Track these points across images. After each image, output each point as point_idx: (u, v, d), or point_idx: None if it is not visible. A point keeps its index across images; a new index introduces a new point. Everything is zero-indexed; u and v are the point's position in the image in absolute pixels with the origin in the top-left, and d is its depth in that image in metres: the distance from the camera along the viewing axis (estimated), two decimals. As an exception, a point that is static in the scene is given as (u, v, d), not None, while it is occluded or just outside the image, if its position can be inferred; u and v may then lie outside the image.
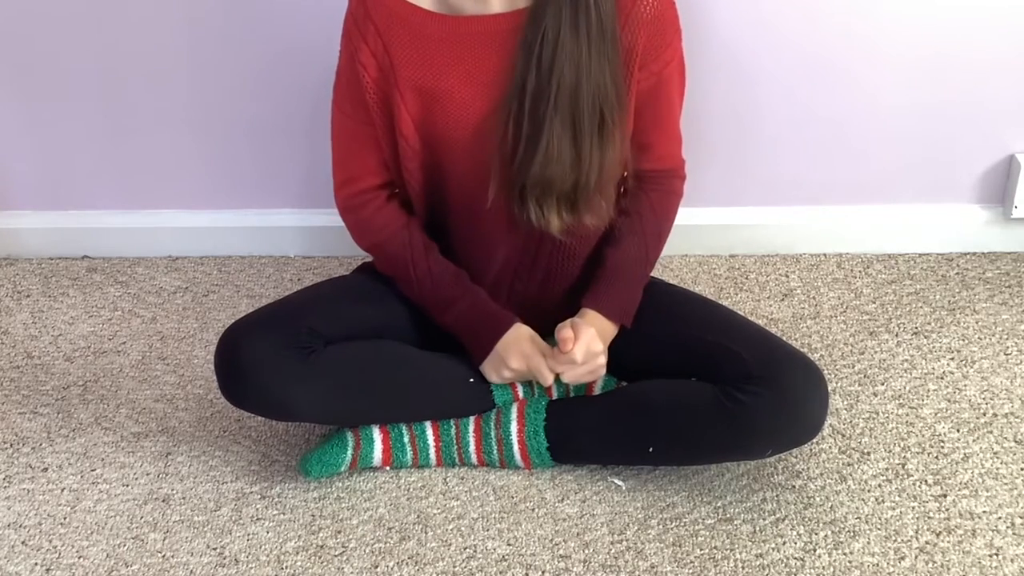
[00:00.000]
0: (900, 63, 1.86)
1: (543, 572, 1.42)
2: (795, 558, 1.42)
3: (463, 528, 1.49)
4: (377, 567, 1.44)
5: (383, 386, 1.52)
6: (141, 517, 1.52)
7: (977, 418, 1.63)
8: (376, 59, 1.44)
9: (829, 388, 1.45)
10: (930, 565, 1.40)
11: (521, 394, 1.57)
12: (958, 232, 1.99)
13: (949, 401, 1.67)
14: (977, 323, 1.83)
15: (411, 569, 1.43)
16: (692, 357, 1.49)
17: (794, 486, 1.52)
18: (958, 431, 1.61)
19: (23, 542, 1.49)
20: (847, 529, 1.46)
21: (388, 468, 1.58)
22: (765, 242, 2.02)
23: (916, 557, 1.42)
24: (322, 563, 1.44)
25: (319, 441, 1.61)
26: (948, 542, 1.44)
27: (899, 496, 1.50)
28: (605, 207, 1.48)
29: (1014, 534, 1.44)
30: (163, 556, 1.46)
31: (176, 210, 2.08)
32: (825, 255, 2.01)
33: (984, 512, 1.47)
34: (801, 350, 1.50)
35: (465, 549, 1.46)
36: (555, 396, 1.57)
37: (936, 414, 1.64)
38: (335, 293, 1.60)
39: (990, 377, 1.71)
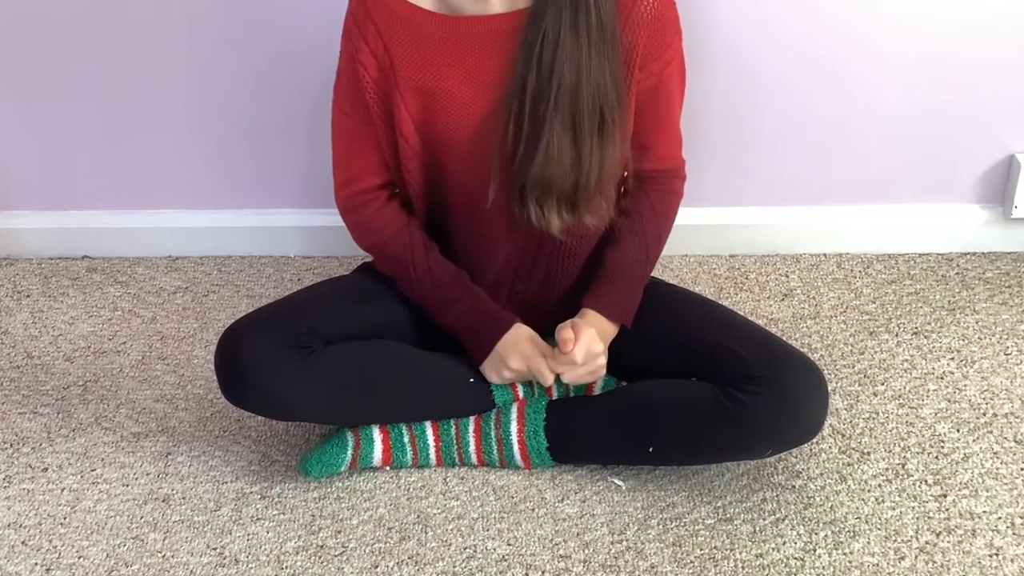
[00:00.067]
0: (900, 63, 1.86)
1: (543, 572, 1.42)
2: (795, 558, 1.42)
3: (463, 528, 1.49)
4: (377, 567, 1.44)
5: (383, 386, 1.52)
6: (141, 517, 1.52)
7: (977, 418, 1.63)
8: (376, 59, 1.44)
9: (829, 388, 1.45)
10: (930, 565, 1.40)
11: (521, 394, 1.57)
12: (958, 232, 1.99)
13: (949, 401, 1.67)
14: (977, 323, 1.83)
15: (411, 569, 1.43)
16: (692, 357, 1.49)
17: (794, 486, 1.52)
18: (958, 431, 1.61)
19: (23, 542, 1.49)
20: (847, 529, 1.46)
21: (388, 468, 1.58)
22: (765, 242, 2.02)
23: (916, 557, 1.42)
24: (322, 563, 1.44)
25: (319, 441, 1.61)
26: (948, 542, 1.44)
27: (899, 496, 1.50)
28: (605, 207, 1.48)
29: (1014, 534, 1.44)
30: (163, 556, 1.46)
31: (176, 210, 2.08)
32: (825, 255, 2.01)
33: (984, 512, 1.47)
34: (801, 350, 1.50)
35: (465, 549, 1.46)
36: (555, 396, 1.57)
37: (936, 414, 1.64)
38: (335, 293, 1.60)
39: (990, 377, 1.71)
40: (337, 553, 1.46)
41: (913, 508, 1.48)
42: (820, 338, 1.81)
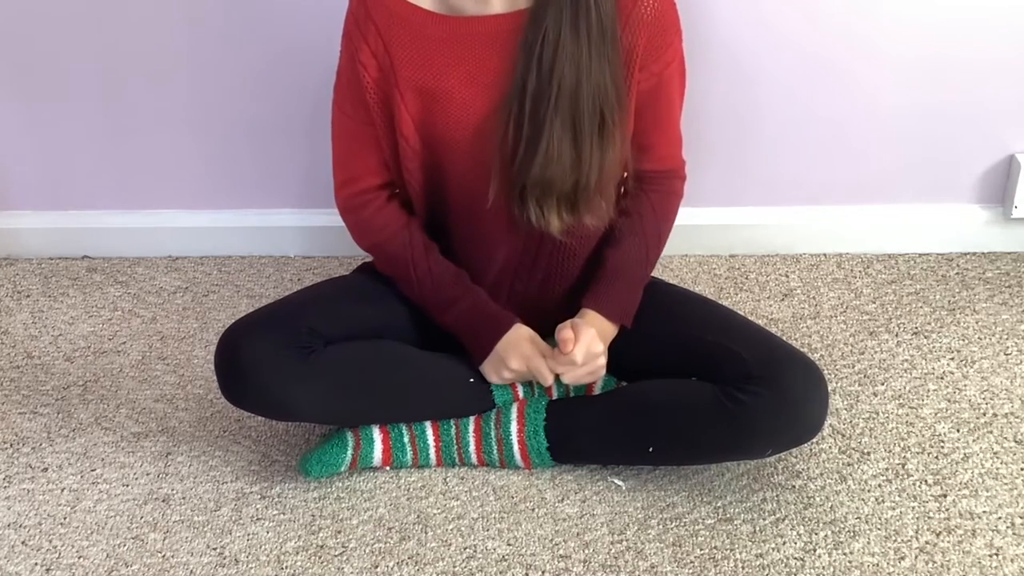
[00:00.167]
0: (900, 63, 1.86)
1: (543, 572, 1.42)
2: (795, 558, 1.42)
3: (463, 528, 1.49)
4: (377, 567, 1.44)
5: (383, 386, 1.52)
6: (141, 517, 1.52)
7: (977, 418, 1.63)
8: (376, 59, 1.44)
9: (829, 388, 1.45)
10: (930, 565, 1.40)
11: (521, 394, 1.57)
12: (958, 232, 1.99)
13: (949, 401, 1.67)
14: (977, 323, 1.83)
15: (411, 569, 1.43)
16: (692, 357, 1.49)
17: (794, 486, 1.52)
18: (958, 431, 1.61)
19: (23, 542, 1.49)
20: (847, 529, 1.46)
21: (388, 468, 1.58)
22: (765, 242, 2.02)
23: (916, 557, 1.42)
24: (322, 563, 1.44)
25: (319, 441, 1.61)
26: (948, 542, 1.44)
27: (899, 496, 1.50)
28: (605, 207, 1.48)
29: (1014, 534, 1.44)
30: (163, 556, 1.46)
31: (176, 210, 2.08)
32: (825, 255, 2.01)
33: (984, 512, 1.47)
34: (801, 350, 1.50)
35: (465, 549, 1.46)
36: (555, 396, 1.57)
37: (936, 414, 1.64)
38: (335, 293, 1.60)
39: (990, 377, 1.71)
40: (337, 553, 1.46)
41: (913, 508, 1.48)
42: (820, 338, 1.81)
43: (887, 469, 1.55)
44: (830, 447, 1.58)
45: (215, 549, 1.47)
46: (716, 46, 1.83)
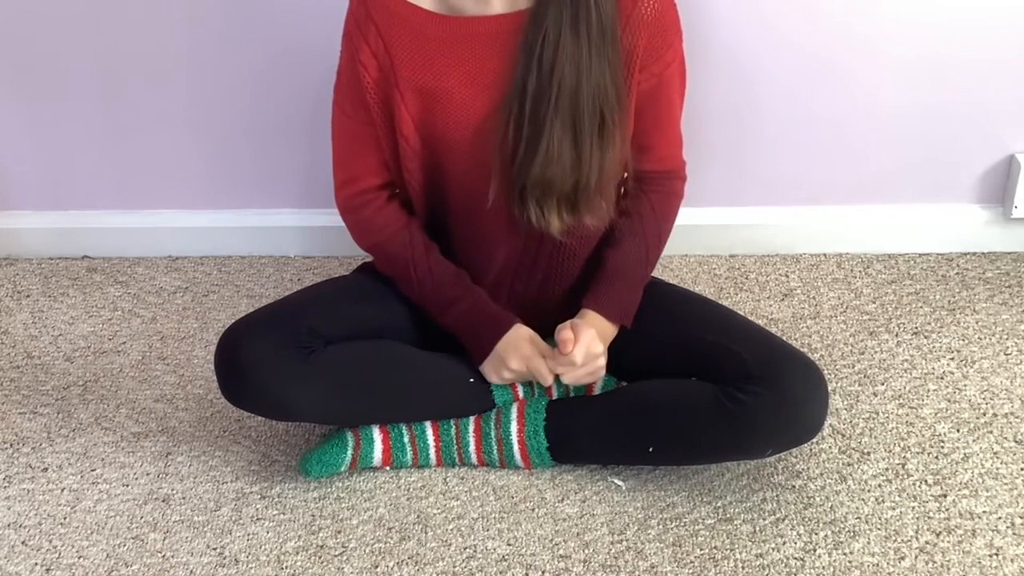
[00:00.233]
0: (900, 63, 1.86)
1: (543, 572, 1.42)
2: (795, 558, 1.42)
3: (463, 528, 1.49)
4: (377, 567, 1.44)
5: (383, 386, 1.52)
6: (141, 517, 1.52)
7: (977, 418, 1.63)
8: (377, 59, 1.44)
9: (829, 388, 1.45)
10: (930, 565, 1.40)
11: (521, 394, 1.57)
12: (958, 232, 1.99)
13: (949, 401, 1.67)
14: (977, 323, 1.83)
15: (411, 569, 1.43)
16: (692, 357, 1.49)
17: (794, 486, 1.52)
18: (958, 431, 1.61)
19: (23, 542, 1.49)
20: (847, 529, 1.46)
21: (388, 468, 1.58)
22: (765, 242, 2.02)
23: (916, 557, 1.42)
24: (322, 563, 1.44)
25: (319, 441, 1.61)
26: (948, 542, 1.44)
27: (899, 496, 1.50)
28: (605, 207, 1.48)
29: (1014, 534, 1.44)
30: (163, 556, 1.46)
31: (176, 210, 2.08)
32: (825, 255, 2.01)
33: (984, 512, 1.47)
34: (801, 350, 1.50)
35: (465, 549, 1.46)
36: (555, 396, 1.57)
37: (936, 414, 1.64)
38: (335, 293, 1.60)
39: (990, 377, 1.71)
40: (337, 553, 1.46)
41: (913, 508, 1.48)
42: (820, 338, 1.81)
43: (887, 469, 1.55)
44: (830, 447, 1.59)
45: (215, 549, 1.47)
46: (716, 46, 1.83)
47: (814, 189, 1.99)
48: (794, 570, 1.41)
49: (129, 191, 2.06)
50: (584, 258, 1.58)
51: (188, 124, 1.98)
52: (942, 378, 1.71)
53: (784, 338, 1.60)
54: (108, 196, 2.07)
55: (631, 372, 1.56)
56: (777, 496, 1.51)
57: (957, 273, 1.95)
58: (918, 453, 1.57)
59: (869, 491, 1.51)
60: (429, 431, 1.56)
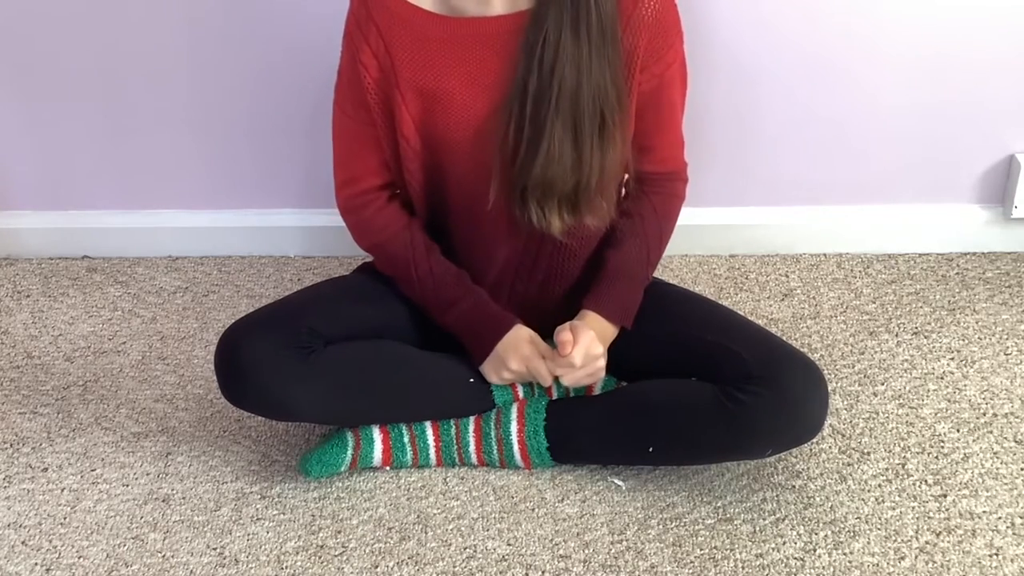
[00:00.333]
0: (900, 63, 1.86)
1: (543, 572, 1.42)
2: (795, 558, 1.42)
3: (463, 528, 1.49)
4: (377, 567, 1.44)
5: (383, 386, 1.52)
6: (141, 517, 1.52)
7: (977, 418, 1.63)
8: (377, 60, 1.44)
9: (829, 388, 1.45)
10: (930, 565, 1.40)
11: (521, 394, 1.57)
12: (958, 232, 1.99)
13: (949, 401, 1.67)
14: (977, 323, 1.83)
15: (411, 569, 1.43)
16: (692, 357, 1.49)
17: (794, 486, 1.52)
18: (958, 431, 1.61)
19: (23, 542, 1.49)
20: (847, 529, 1.46)
21: (388, 468, 1.58)
22: (765, 242, 2.02)
23: (916, 557, 1.42)
24: (322, 563, 1.44)
25: (319, 441, 1.61)
26: (948, 542, 1.44)
27: (899, 496, 1.50)
28: (606, 208, 1.48)
29: (1014, 534, 1.44)
30: (163, 556, 1.46)
31: (176, 210, 2.08)
32: (825, 255, 2.01)
33: (984, 512, 1.47)
34: (801, 350, 1.50)
35: (465, 549, 1.46)
36: (555, 396, 1.57)
37: (936, 414, 1.64)
38: (335, 293, 1.60)
39: (990, 377, 1.71)
40: (337, 553, 1.46)
41: (913, 508, 1.48)
42: (820, 338, 1.81)
43: (887, 469, 1.55)
44: (830, 447, 1.59)
45: (215, 549, 1.47)
46: (717, 47, 1.83)
47: (814, 189, 1.99)
48: (794, 570, 1.41)
49: (129, 191, 2.06)
50: (584, 259, 1.58)
51: (188, 124, 1.98)
52: (942, 378, 1.71)
53: (784, 338, 1.60)
54: (108, 196, 2.07)
55: (631, 372, 1.56)
56: (777, 496, 1.51)
57: (957, 273, 1.95)
58: (918, 453, 1.57)
59: (869, 491, 1.51)
60: (429, 431, 1.56)
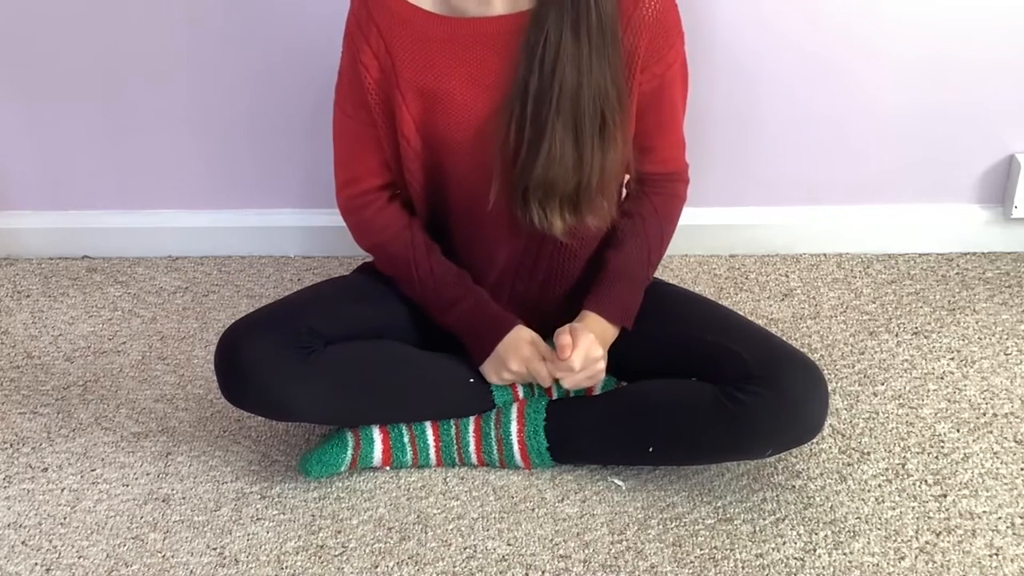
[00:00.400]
0: (900, 63, 1.86)
1: (543, 572, 1.42)
2: (795, 558, 1.42)
3: (463, 528, 1.49)
4: (377, 567, 1.44)
5: (383, 386, 1.52)
6: (141, 517, 1.52)
7: (977, 418, 1.63)
8: (378, 60, 1.44)
9: (829, 388, 1.45)
10: (930, 565, 1.40)
11: (521, 394, 1.57)
12: (958, 232, 1.99)
13: (949, 401, 1.67)
14: (977, 323, 1.83)
15: (411, 569, 1.43)
16: (692, 357, 1.49)
17: (794, 486, 1.52)
18: (958, 431, 1.61)
19: (23, 542, 1.49)
20: (847, 529, 1.46)
21: (388, 468, 1.58)
22: (765, 242, 2.02)
23: (916, 557, 1.42)
24: (322, 563, 1.44)
25: (319, 441, 1.61)
26: (948, 542, 1.44)
27: (899, 496, 1.50)
28: (607, 208, 1.48)
29: (1014, 534, 1.44)
30: (163, 556, 1.46)
31: (176, 210, 2.08)
32: (825, 255, 2.01)
33: (984, 512, 1.48)
34: (801, 350, 1.50)
35: (465, 549, 1.46)
36: (555, 396, 1.57)
37: (936, 414, 1.64)
38: (335, 293, 1.60)
39: (990, 377, 1.71)
40: (337, 553, 1.46)
41: (913, 508, 1.48)
42: (820, 338, 1.81)
43: (887, 469, 1.55)
44: (830, 447, 1.58)
45: (215, 549, 1.47)
46: (718, 47, 1.83)
47: (814, 189, 1.99)
48: (794, 570, 1.41)
49: (129, 191, 2.06)
50: (585, 259, 1.58)
51: (188, 124, 1.98)
52: (942, 378, 1.71)
53: (784, 338, 1.60)
54: (108, 196, 2.07)
55: (631, 372, 1.56)
56: (777, 496, 1.51)
57: (957, 273, 1.95)
58: (918, 453, 1.57)
59: (869, 491, 1.51)
60: (429, 431, 1.56)
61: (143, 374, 1.79)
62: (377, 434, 1.55)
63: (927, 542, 1.44)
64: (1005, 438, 1.59)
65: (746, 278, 1.97)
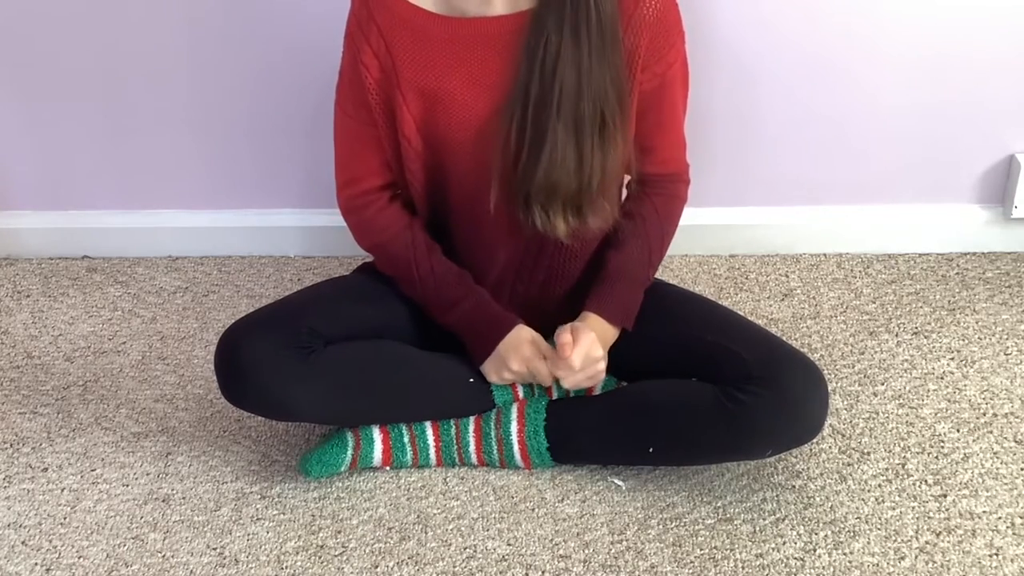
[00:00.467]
0: (900, 63, 1.86)
1: (543, 572, 1.42)
2: (795, 558, 1.42)
3: (463, 528, 1.49)
4: (377, 567, 1.44)
5: (383, 386, 1.52)
6: (141, 517, 1.52)
7: (977, 418, 1.63)
8: (379, 60, 1.44)
9: (829, 388, 1.45)
10: (930, 565, 1.40)
11: (521, 394, 1.57)
12: (958, 232, 1.99)
13: (949, 401, 1.67)
14: (977, 323, 1.83)
15: (411, 569, 1.43)
16: (692, 357, 1.49)
17: (794, 486, 1.52)
18: (958, 431, 1.61)
19: (23, 542, 1.49)
20: (847, 529, 1.46)
21: (388, 468, 1.58)
22: (765, 242, 2.02)
23: (916, 557, 1.42)
24: (322, 563, 1.44)
25: (319, 441, 1.61)
26: (948, 542, 1.44)
27: (899, 496, 1.50)
28: (609, 208, 1.47)
29: (1014, 534, 1.44)
30: (163, 556, 1.46)
31: (176, 210, 2.08)
32: (825, 255, 2.01)
33: (984, 512, 1.47)
34: (801, 350, 1.50)
35: (465, 549, 1.46)
36: (555, 396, 1.57)
37: (936, 414, 1.64)
38: (335, 293, 1.60)
39: (990, 377, 1.71)
40: (337, 553, 1.46)
41: (913, 508, 1.48)
42: (820, 338, 1.81)
43: (887, 469, 1.55)
44: (830, 447, 1.58)
45: (215, 549, 1.47)
46: (718, 47, 1.83)
47: (814, 189, 1.99)
48: (794, 570, 1.41)
49: (129, 191, 2.06)
50: (585, 259, 1.58)
51: (188, 124, 1.98)
52: (942, 378, 1.71)
53: (784, 338, 1.60)
54: (108, 196, 2.07)
55: (631, 372, 1.56)
56: (777, 496, 1.51)
57: (957, 273, 1.95)
58: (918, 453, 1.57)
59: (869, 491, 1.51)
60: (429, 431, 1.56)
61: (143, 374, 1.79)
62: (377, 434, 1.55)
63: (927, 542, 1.44)
64: (1005, 438, 1.59)
65: (746, 278, 1.97)
